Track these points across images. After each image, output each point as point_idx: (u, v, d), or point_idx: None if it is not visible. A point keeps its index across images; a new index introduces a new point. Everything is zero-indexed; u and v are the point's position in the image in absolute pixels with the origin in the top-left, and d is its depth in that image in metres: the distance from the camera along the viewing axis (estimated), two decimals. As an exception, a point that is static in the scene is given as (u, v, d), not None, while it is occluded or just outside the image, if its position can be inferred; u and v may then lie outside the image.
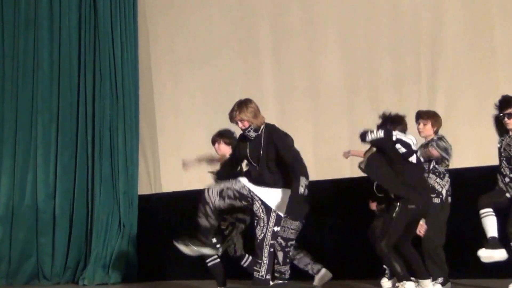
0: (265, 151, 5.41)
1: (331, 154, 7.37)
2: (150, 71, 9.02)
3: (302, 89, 7.90)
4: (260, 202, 5.41)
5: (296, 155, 5.38)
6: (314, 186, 7.28)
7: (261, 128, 5.47)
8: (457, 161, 6.22)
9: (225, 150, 6.32)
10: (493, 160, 5.80)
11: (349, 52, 7.66)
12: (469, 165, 6.73)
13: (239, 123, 5.45)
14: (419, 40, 7.29)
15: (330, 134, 7.63)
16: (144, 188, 8.92)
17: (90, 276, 8.65)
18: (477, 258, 5.46)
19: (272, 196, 5.40)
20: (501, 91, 6.76)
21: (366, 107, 7.47)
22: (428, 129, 6.07)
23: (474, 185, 6.26)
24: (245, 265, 6.16)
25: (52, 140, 9.24)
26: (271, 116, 8.03)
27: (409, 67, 7.32)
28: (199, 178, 8.00)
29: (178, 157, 8.31)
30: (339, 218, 7.44)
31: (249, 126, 5.43)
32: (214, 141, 6.37)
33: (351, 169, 7.36)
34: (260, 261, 5.37)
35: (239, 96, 8.24)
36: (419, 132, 6.06)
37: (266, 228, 5.37)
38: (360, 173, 7.22)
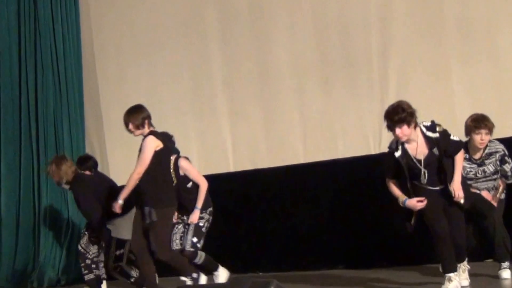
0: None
1: (283, 139, 7.21)
2: (94, 62, 8.82)
3: (251, 73, 7.76)
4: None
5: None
6: (266, 173, 7.18)
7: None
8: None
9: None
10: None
11: (297, 34, 7.53)
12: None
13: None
14: (369, 20, 7.18)
15: (280, 118, 7.49)
16: (92, 183, 8.66)
17: (40, 279, 8.41)
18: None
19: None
20: (453, 70, 6.75)
21: (317, 90, 7.36)
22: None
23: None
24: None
25: (-6, 136, 8.96)
26: (220, 103, 7.93)
27: (359, 48, 7.21)
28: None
29: (125, 149, 8.15)
30: (293, 206, 7.29)
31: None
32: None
33: (304, 155, 7.25)
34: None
35: (187, 86, 8.16)
36: (481, 143, 5.31)
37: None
38: (314, 158, 7.15)
